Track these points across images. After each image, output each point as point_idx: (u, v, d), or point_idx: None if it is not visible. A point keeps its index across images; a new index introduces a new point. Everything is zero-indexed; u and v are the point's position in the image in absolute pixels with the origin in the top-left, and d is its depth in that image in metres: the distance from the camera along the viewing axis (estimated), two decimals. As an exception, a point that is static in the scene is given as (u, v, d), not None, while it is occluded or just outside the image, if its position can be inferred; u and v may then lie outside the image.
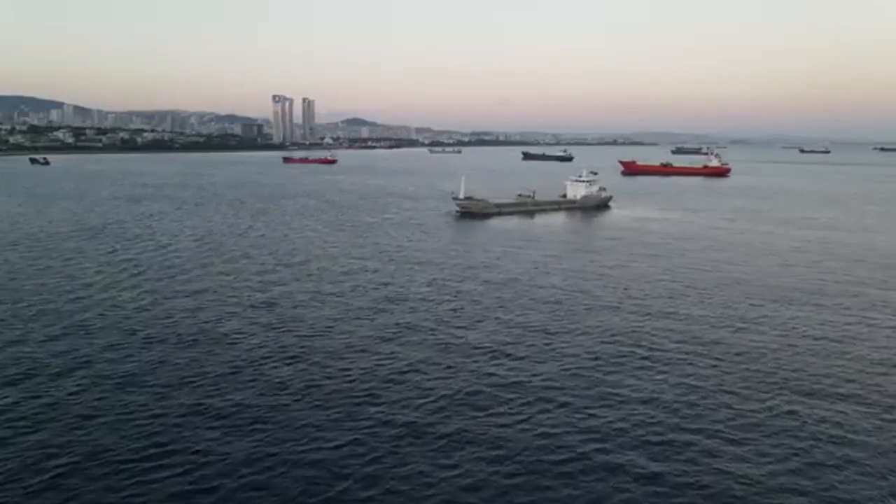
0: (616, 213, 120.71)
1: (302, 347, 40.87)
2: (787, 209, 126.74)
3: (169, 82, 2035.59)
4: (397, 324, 46.08)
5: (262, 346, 40.84)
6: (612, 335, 43.91)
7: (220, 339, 42.23)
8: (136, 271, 61.60)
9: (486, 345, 41.78)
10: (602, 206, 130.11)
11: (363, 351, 40.41)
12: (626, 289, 57.08)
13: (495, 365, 38.28)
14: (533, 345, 41.95)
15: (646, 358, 39.59)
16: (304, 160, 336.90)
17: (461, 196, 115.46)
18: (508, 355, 39.80)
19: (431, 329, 44.98)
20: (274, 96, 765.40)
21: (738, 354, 40.47)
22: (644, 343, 42.28)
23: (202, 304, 50.70)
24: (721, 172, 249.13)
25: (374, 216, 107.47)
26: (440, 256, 71.62)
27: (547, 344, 42.14)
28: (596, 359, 39.54)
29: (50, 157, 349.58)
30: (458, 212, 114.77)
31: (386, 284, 57.88)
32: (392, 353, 40.33)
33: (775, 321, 47.81)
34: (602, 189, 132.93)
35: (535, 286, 57.94)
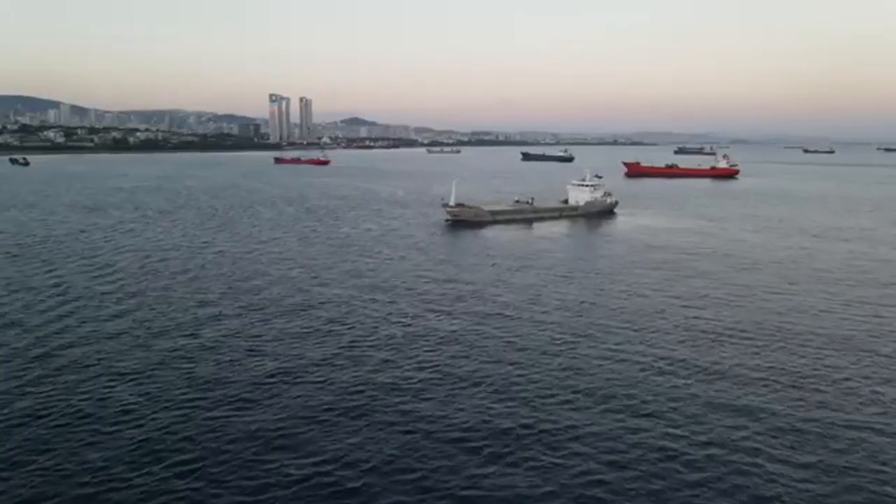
0: (623, 221, 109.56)
1: (221, 416, 29.87)
2: (812, 217, 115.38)
3: (169, 82, 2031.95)
4: (350, 379, 35.13)
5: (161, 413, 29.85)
6: (633, 416, 32.81)
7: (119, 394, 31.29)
8: (45, 301, 50.57)
9: (458, 415, 30.80)
10: (607, 212, 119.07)
11: (306, 422, 29.48)
12: (647, 344, 45.80)
13: (467, 452, 27.33)
14: (527, 416, 30.93)
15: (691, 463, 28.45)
16: (296, 161, 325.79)
17: (451, 202, 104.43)
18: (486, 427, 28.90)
19: (395, 389, 34.03)
20: (271, 95, 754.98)
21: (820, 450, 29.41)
22: (682, 442, 31.16)
23: (105, 345, 39.80)
24: (730, 174, 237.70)
25: (355, 227, 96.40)
26: (420, 279, 60.61)
27: (546, 418, 31.11)
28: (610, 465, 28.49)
29: (37, 158, 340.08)
30: (447, 220, 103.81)
31: (345, 321, 46.84)
32: (339, 406, 29.50)
33: (847, 383, 36.78)
34: (607, 194, 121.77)
35: (531, 324, 46.93)
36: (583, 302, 52.98)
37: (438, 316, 48.63)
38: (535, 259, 71.97)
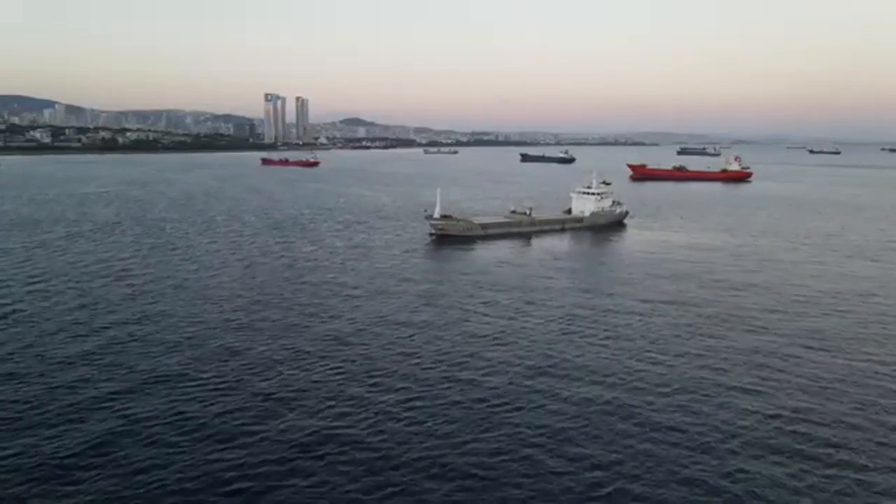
0: (635, 235, 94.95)
1: None
2: (852, 229, 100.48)
3: (168, 82, 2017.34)
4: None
5: None
6: None
7: None
8: None
9: None
10: (616, 223, 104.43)
11: None
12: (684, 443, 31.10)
13: None
14: None
15: None
16: (284, 162, 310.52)
17: (436, 214, 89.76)
18: None
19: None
20: (266, 95, 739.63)
21: None
22: None
23: None
24: (742, 177, 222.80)
25: (320, 246, 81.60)
26: (382, 325, 45.98)
27: None
28: None
29: (18, 158, 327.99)
30: (432, 235, 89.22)
31: (266, 397, 32.13)
32: None
33: None
34: (616, 203, 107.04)
35: (520, 387, 32.25)
36: (589, 357, 38.28)
37: (397, 384, 33.93)
38: (532, 288, 57.33)
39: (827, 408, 32.93)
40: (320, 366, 38.25)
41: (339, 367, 37.97)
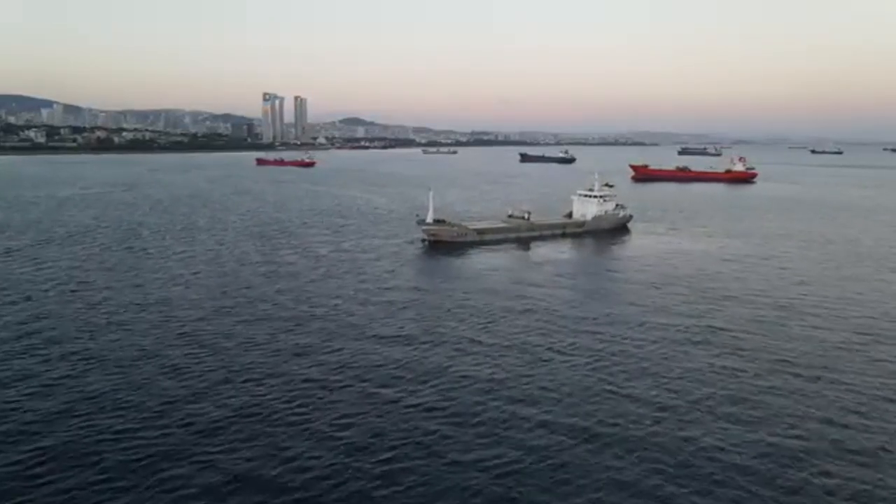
0: (639, 240, 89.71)
1: None
2: (871, 234, 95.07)
3: (167, 81, 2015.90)
4: None
5: None
6: None
7: None
8: None
9: None
10: (619, 228, 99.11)
11: None
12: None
13: None
14: None
15: None
16: (280, 162, 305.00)
17: (429, 219, 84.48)
18: None
19: None
20: (264, 94, 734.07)
21: None
22: None
23: None
24: (746, 178, 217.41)
25: (305, 254, 76.18)
26: (364, 355, 40.59)
27: None
28: None
29: (12, 158, 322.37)
30: (424, 241, 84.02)
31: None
32: None
33: None
34: (620, 206, 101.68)
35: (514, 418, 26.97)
36: (598, 400, 32.87)
37: (372, 441, 28.53)
38: (531, 307, 51.78)
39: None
40: (287, 413, 32.71)
41: (305, 416, 32.42)
